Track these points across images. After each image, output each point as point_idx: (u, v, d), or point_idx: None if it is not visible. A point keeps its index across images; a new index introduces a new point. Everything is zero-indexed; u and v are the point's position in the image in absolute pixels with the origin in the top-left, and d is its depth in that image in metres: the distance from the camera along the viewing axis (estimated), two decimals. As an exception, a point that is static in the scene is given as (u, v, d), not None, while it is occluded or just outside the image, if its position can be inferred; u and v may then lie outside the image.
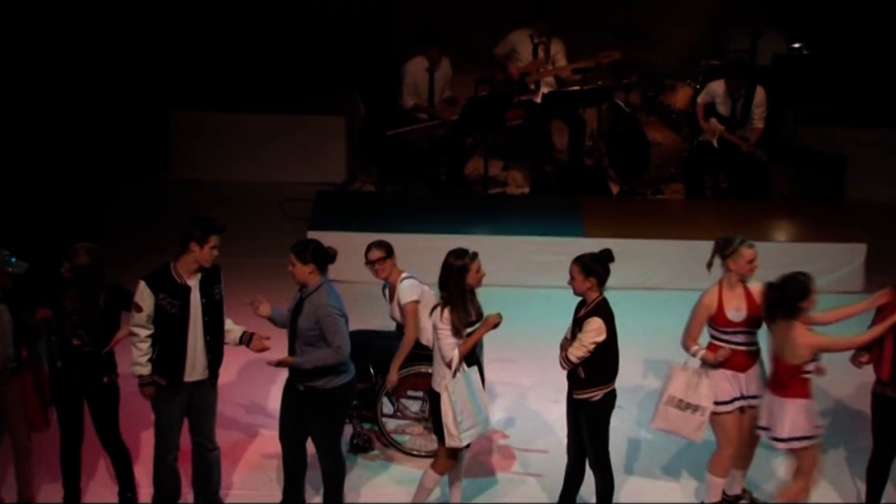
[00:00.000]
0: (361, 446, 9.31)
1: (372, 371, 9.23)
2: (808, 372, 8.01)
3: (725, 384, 8.34)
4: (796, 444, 8.07)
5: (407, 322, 8.93)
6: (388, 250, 9.07)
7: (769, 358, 8.21)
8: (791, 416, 8.02)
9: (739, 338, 8.33)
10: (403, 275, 9.08)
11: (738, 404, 8.38)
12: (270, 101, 14.86)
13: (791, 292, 7.92)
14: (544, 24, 13.97)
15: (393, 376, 8.86)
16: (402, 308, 9.01)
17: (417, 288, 9.00)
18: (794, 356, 7.94)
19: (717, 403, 8.34)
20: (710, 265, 8.51)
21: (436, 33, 13.64)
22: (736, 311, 8.34)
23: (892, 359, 8.10)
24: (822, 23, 15.21)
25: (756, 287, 8.39)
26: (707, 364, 8.31)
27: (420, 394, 9.32)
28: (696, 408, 8.36)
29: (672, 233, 12.33)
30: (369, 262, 9.10)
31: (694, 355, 8.39)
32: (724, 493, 8.72)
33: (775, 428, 8.09)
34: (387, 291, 9.30)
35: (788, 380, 8.00)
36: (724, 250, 8.41)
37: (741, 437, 8.44)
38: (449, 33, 13.87)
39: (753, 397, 8.39)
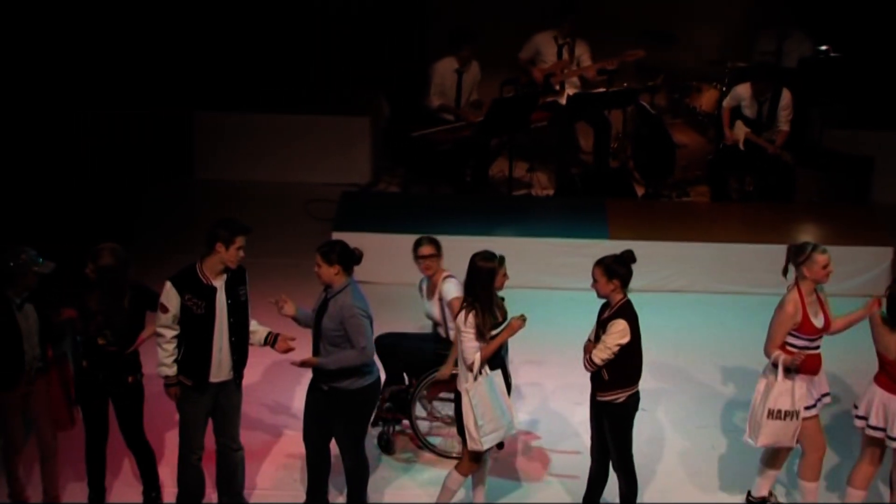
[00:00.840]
0: (385, 447, 9.31)
1: (405, 374, 9.24)
2: None
3: (805, 389, 8.32)
4: None
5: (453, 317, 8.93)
6: (439, 248, 9.13)
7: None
8: None
9: (818, 342, 8.33)
10: (445, 273, 9.11)
11: (819, 407, 8.41)
12: (295, 101, 14.88)
13: None
14: (569, 26, 13.95)
15: (447, 371, 8.80)
16: (447, 304, 8.99)
17: (460, 287, 9.00)
18: None
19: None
20: (785, 271, 8.44)
21: (468, 34, 13.63)
22: (816, 317, 8.31)
23: None
24: (848, 25, 15.14)
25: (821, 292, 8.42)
26: (789, 369, 8.24)
27: (452, 396, 9.32)
28: (794, 414, 8.31)
29: (697, 235, 12.29)
30: (420, 258, 9.12)
31: (775, 361, 8.28)
32: (748, 494, 8.71)
33: (876, 421, 8.13)
34: (424, 288, 9.29)
35: None
36: (797, 257, 8.34)
37: (824, 438, 8.47)
38: (477, 34, 13.86)
39: (823, 396, 8.45)
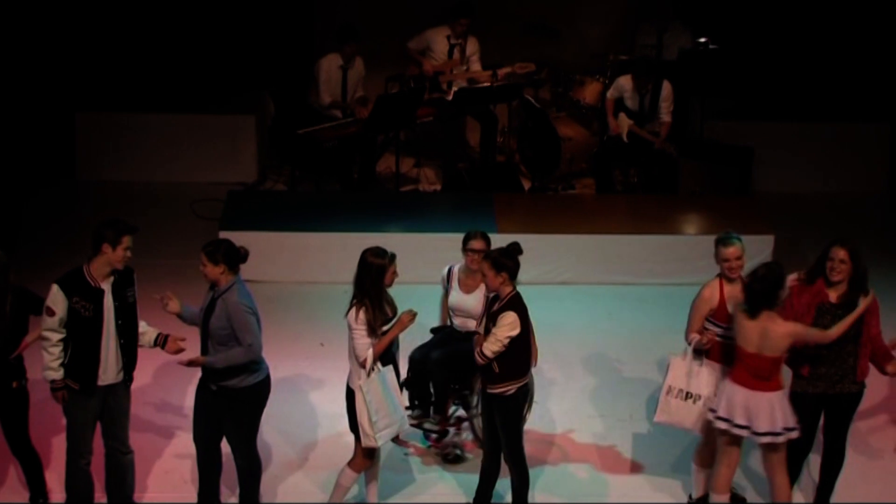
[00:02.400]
0: (456, 459, 9.27)
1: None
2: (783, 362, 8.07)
3: (713, 378, 8.37)
4: (780, 439, 8.05)
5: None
6: (489, 243, 9.00)
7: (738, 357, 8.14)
8: (770, 411, 8.01)
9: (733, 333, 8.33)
10: None
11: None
12: (179, 100, 14.73)
13: (772, 282, 7.93)
14: (462, 26, 13.97)
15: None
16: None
17: None
18: (775, 349, 7.93)
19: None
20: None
21: (351, 31, 13.59)
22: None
23: (807, 354, 8.20)
24: (727, 18, 15.40)
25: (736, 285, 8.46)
26: (697, 350, 8.29)
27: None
28: (697, 397, 8.36)
29: (583, 228, 12.41)
30: (471, 251, 9.01)
31: (691, 343, 8.35)
32: (689, 496, 8.82)
33: (758, 424, 8.04)
34: (456, 279, 9.25)
35: (772, 372, 7.99)
36: (716, 248, 8.44)
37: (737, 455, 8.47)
38: (361, 30, 13.83)
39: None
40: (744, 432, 8.09)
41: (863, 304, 8.09)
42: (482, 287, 8.72)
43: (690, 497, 8.75)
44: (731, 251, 8.35)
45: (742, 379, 8.05)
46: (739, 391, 8.05)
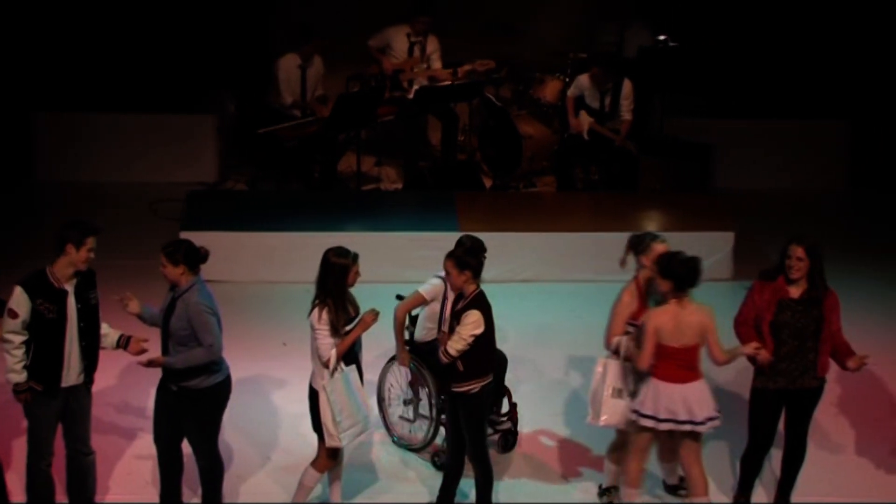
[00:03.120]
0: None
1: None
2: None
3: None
4: (716, 423, 8.14)
5: None
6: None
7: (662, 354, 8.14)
8: (707, 397, 8.09)
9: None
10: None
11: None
12: (139, 101, 14.65)
13: (695, 269, 7.97)
14: (422, 24, 13.97)
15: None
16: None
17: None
18: (693, 337, 7.98)
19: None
20: (623, 262, 8.50)
21: (309, 31, 13.57)
22: None
23: (771, 350, 8.25)
24: (687, 15, 15.47)
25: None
26: (626, 357, 8.30)
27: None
28: (635, 393, 8.39)
29: (545, 225, 12.45)
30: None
31: (615, 348, 8.35)
32: (663, 482, 8.87)
33: (696, 414, 8.09)
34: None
35: (696, 362, 8.04)
36: (636, 247, 8.43)
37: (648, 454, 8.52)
38: (320, 29, 13.82)
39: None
40: (686, 426, 8.12)
41: (747, 348, 8.16)
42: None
43: (601, 487, 8.76)
44: (665, 247, 8.36)
45: (672, 374, 8.07)
46: (674, 388, 8.07)
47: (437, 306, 8.88)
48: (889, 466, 9.28)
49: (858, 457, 9.44)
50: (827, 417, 9.74)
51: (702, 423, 8.08)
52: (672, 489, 8.88)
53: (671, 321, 7.97)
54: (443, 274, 8.65)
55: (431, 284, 8.87)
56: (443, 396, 8.66)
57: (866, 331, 9.43)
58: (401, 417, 9.37)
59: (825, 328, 8.17)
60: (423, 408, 9.24)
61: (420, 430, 9.25)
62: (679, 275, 7.94)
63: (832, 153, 14.92)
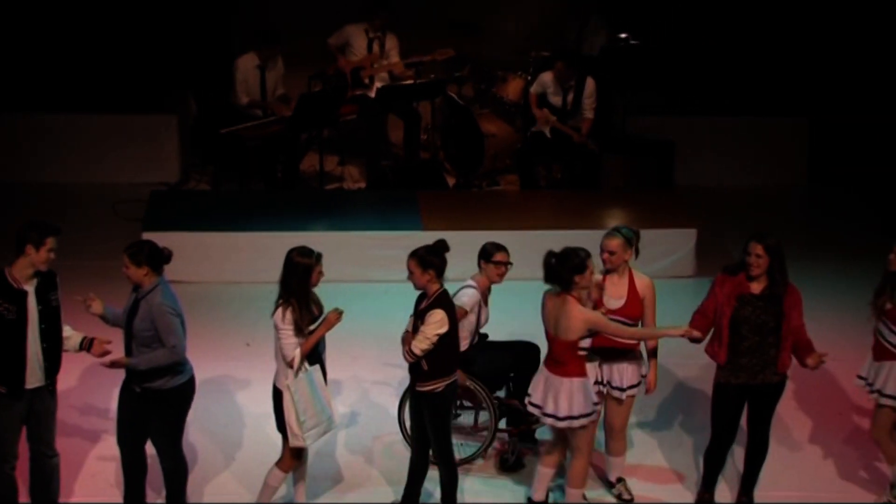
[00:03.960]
0: (514, 464, 9.19)
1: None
2: (584, 349, 8.10)
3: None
4: (575, 423, 8.16)
5: None
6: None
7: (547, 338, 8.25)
8: (568, 395, 8.11)
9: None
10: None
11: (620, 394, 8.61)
12: (100, 101, 14.58)
13: (570, 264, 8.03)
14: (380, 20, 13.97)
15: None
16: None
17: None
18: (568, 332, 8.02)
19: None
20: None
21: (268, 35, 13.52)
22: (616, 298, 8.46)
23: (728, 344, 8.30)
24: (648, 13, 15.54)
25: (644, 280, 8.52)
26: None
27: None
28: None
29: (508, 224, 12.45)
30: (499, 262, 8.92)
31: None
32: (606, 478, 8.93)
33: (549, 406, 8.18)
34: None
35: (565, 357, 8.09)
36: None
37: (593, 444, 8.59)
38: (282, 28, 13.79)
39: (630, 388, 8.58)
40: (548, 420, 8.22)
41: (675, 331, 8.25)
42: None
43: (530, 500, 8.72)
44: (605, 243, 8.45)
45: (547, 362, 8.22)
46: (545, 375, 8.22)
47: (473, 317, 8.87)
48: (847, 461, 9.35)
49: (819, 452, 9.50)
50: (789, 412, 9.80)
51: (562, 419, 8.15)
52: (609, 485, 8.94)
53: (549, 312, 8.12)
54: (472, 283, 8.74)
55: (468, 295, 8.83)
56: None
57: (826, 325, 9.49)
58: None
59: (785, 324, 8.23)
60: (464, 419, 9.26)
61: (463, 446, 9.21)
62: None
63: (790, 149, 15.02)
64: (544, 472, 8.55)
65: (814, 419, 9.93)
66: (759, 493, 8.77)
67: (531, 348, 9.22)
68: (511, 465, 9.17)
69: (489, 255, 8.90)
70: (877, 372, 8.51)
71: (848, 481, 9.15)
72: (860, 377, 8.67)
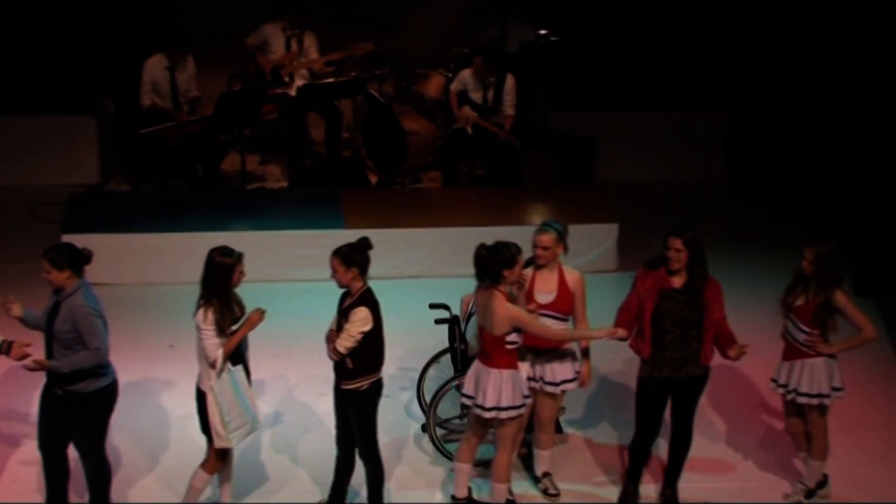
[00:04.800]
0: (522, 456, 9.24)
1: None
2: (513, 343, 8.16)
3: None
4: (502, 415, 8.19)
5: None
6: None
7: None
8: (496, 386, 8.16)
9: (548, 321, 8.44)
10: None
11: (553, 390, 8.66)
12: (15, 102, 14.39)
13: (499, 258, 8.07)
14: (297, 18, 13.93)
15: None
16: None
17: None
18: (493, 327, 8.07)
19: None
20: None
21: (178, 35, 13.38)
22: (546, 293, 8.49)
23: (651, 339, 8.37)
24: (567, 10, 15.62)
25: (574, 274, 8.55)
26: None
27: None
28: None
29: (431, 221, 12.48)
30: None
31: None
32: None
33: (479, 397, 8.22)
34: None
35: (493, 350, 8.14)
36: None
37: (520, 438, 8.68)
38: (199, 28, 13.70)
39: (563, 382, 8.62)
40: (476, 410, 8.26)
41: (599, 332, 8.33)
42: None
43: (453, 497, 8.72)
44: (538, 239, 8.50)
45: (479, 355, 8.29)
46: (477, 367, 8.28)
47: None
48: (767, 453, 9.47)
49: (740, 443, 9.61)
50: (711, 404, 9.90)
51: (489, 410, 8.18)
52: (536, 479, 9.01)
53: (479, 306, 8.18)
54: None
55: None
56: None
57: (745, 317, 9.59)
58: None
59: (707, 317, 8.31)
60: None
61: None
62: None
63: (709, 144, 15.17)
64: (462, 467, 8.56)
65: (736, 411, 10.04)
66: (682, 485, 8.85)
67: None
68: (521, 456, 9.21)
69: None
70: (789, 372, 8.61)
71: (767, 472, 9.27)
72: (773, 380, 8.76)
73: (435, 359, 9.55)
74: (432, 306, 9.43)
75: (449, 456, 9.13)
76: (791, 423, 8.79)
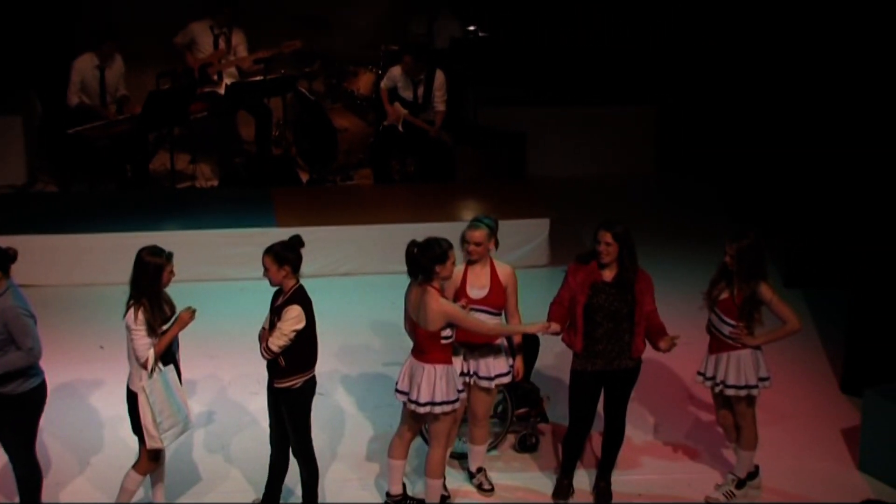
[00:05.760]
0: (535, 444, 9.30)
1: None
2: (447, 338, 8.18)
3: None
4: (436, 409, 8.20)
5: None
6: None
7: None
8: (430, 381, 8.17)
9: (481, 316, 8.45)
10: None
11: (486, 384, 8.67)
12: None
13: (431, 254, 8.09)
14: (225, 16, 13.87)
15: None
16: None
17: None
18: (427, 323, 8.08)
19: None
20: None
21: (107, 30, 13.31)
22: (479, 289, 8.50)
23: (583, 332, 8.41)
24: (495, 5, 15.67)
25: (505, 269, 8.57)
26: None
27: None
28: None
29: (363, 218, 12.48)
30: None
31: None
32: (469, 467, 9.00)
33: (413, 393, 8.23)
34: None
35: (427, 346, 8.16)
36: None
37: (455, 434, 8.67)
38: (127, 27, 13.61)
39: (497, 377, 8.63)
40: (411, 406, 8.28)
41: (533, 327, 8.39)
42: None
43: (388, 494, 8.71)
44: (470, 235, 8.51)
45: (413, 350, 8.32)
46: (411, 362, 8.31)
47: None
48: (698, 443, 9.56)
49: (673, 435, 9.69)
50: (643, 396, 9.97)
51: (423, 405, 8.20)
52: (470, 475, 9.02)
53: (412, 302, 8.22)
54: None
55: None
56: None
57: (675, 309, 9.67)
58: None
59: (638, 310, 8.37)
60: None
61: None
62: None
63: (639, 138, 15.29)
64: (395, 464, 8.56)
65: (667, 402, 10.12)
66: (615, 478, 8.91)
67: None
68: (532, 445, 9.29)
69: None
70: (716, 365, 8.68)
71: (699, 463, 9.35)
72: (700, 374, 8.82)
73: None
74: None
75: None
76: (721, 415, 8.86)
